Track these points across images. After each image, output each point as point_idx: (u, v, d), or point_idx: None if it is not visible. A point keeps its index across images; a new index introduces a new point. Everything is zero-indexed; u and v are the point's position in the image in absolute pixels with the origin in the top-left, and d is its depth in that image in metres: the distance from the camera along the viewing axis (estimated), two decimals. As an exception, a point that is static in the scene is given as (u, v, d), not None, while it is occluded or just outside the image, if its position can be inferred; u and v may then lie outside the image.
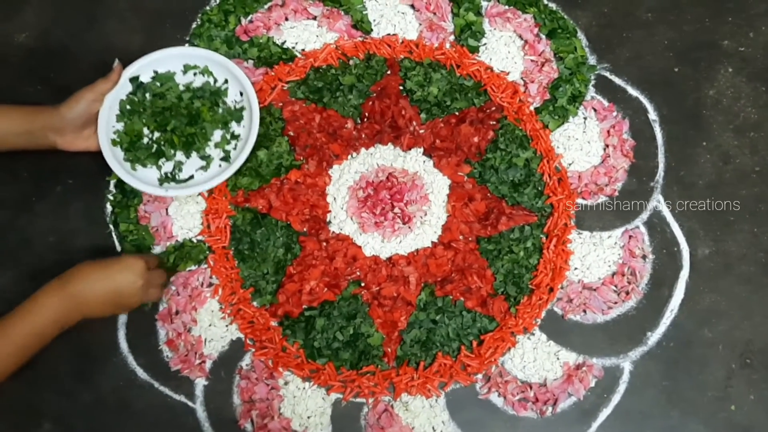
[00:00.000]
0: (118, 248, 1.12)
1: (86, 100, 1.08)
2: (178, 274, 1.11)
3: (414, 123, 1.17)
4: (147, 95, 1.15)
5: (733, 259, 1.12)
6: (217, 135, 1.15)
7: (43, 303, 0.97)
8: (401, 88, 1.19)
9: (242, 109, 1.15)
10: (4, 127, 1.06)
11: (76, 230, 1.14)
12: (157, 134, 1.14)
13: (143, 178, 1.11)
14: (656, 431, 1.05)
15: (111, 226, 1.14)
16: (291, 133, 1.17)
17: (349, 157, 1.17)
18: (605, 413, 1.06)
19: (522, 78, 1.20)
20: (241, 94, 1.16)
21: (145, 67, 1.15)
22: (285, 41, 1.22)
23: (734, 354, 1.08)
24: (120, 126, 1.13)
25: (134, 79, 1.14)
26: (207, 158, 1.13)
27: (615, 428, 1.05)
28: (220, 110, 1.15)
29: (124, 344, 1.09)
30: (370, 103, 1.18)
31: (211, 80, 1.17)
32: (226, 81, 1.16)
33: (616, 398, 1.07)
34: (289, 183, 1.14)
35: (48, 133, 1.07)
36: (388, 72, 1.20)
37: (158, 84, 1.15)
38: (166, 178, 1.12)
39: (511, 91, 1.19)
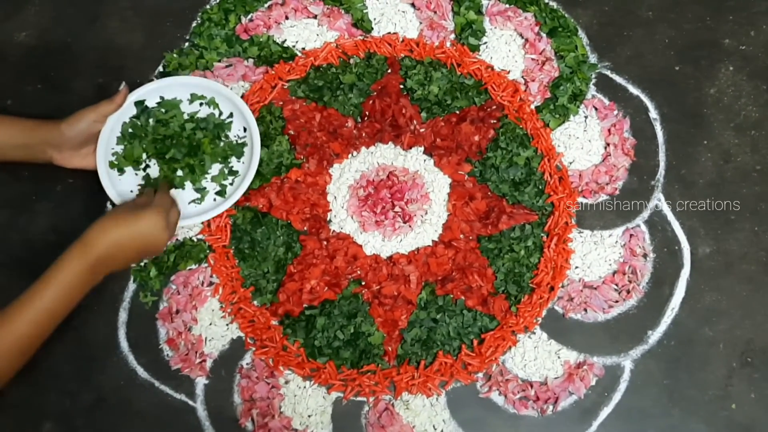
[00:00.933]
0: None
1: (88, 120, 1.07)
2: (178, 273, 1.11)
3: (414, 122, 1.17)
4: (150, 120, 1.13)
5: (734, 258, 1.12)
6: (215, 168, 1.13)
7: (69, 268, 0.95)
8: (402, 86, 1.19)
9: (244, 145, 1.14)
10: (2, 139, 1.05)
11: (77, 230, 1.12)
12: (154, 161, 1.13)
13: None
14: (657, 430, 1.05)
15: (111, 225, 1.13)
16: (291, 132, 1.17)
17: (350, 156, 1.16)
18: (606, 412, 1.06)
19: (523, 77, 1.20)
20: (245, 129, 1.14)
21: (151, 92, 1.14)
22: (285, 40, 1.22)
23: (735, 353, 1.08)
24: (119, 148, 1.12)
25: (139, 103, 1.13)
26: (202, 191, 1.12)
27: (616, 427, 1.05)
28: (222, 144, 1.14)
29: (124, 343, 1.09)
30: (371, 101, 1.18)
31: (217, 112, 1.15)
32: (231, 115, 1.15)
33: (616, 397, 1.06)
34: (290, 182, 1.14)
35: (46, 148, 1.06)
36: (389, 71, 1.20)
37: (163, 111, 1.14)
38: None
39: (512, 90, 1.19)
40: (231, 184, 1.12)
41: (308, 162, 1.15)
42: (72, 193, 1.15)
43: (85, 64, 1.21)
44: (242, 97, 1.17)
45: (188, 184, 1.12)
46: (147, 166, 1.13)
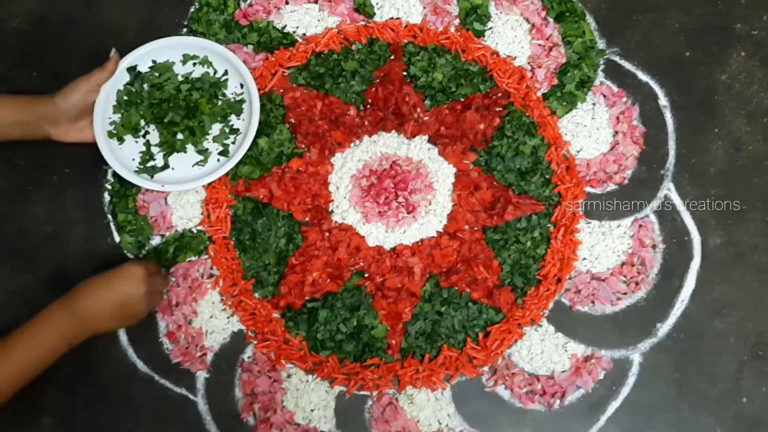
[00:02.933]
0: (117, 239, 1.11)
1: (81, 91, 1.06)
2: (178, 265, 1.09)
3: (418, 110, 1.15)
4: (145, 86, 1.12)
5: (745, 249, 1.11)
6: (215, 128, 1.12)
7: (50, 322, 0.96)
8: (405, 73, 1.17)
9: (242, 101, 1.13)
10: None
11: (73, 220, 1.12)
12: (153, 127, 1.12)
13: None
14: (666, 424, 1.04)
15: (109, 216, 1.12)
16: (292, 121, 1.15)
17: (352, 144, 1.15)
18: (614, 406, 1.05)
19: (529, 63, 1.18)
20: (242, 86, 1.13)
21: (143, 57, 1.13)
22: (285, 26, 1.20)
23: (746, 346, 1.07)
24: (116, 117, 1.11)
25: (132, 69, 1.12)
26: (204, 152, 1.11)
27: (624, 421, 1.04)
28: (220, 102, 1.13)
29: (123, 337, 1.08)
30: (373, 89, 1.16)
31: (211, 71, 1.14)
32: (226, 72, 1.14)
33: (625, 391, 1.05)
34: (291, 172, 1.12)
35: (42, 123, 1.06)
36: (392, 57, 1.18)
37: (156, 74, 1.13)
38: (148, 169, 1.10)
39: (518, 77, 1.16)
40: (233, 142, 1.11)
41: (309, 151, 1.13)
42: (68, 183, 1.14)
43: (80, 50, 1.19)
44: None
45: (190, 147, 1.11)
46: (146, 132, 1.12)
